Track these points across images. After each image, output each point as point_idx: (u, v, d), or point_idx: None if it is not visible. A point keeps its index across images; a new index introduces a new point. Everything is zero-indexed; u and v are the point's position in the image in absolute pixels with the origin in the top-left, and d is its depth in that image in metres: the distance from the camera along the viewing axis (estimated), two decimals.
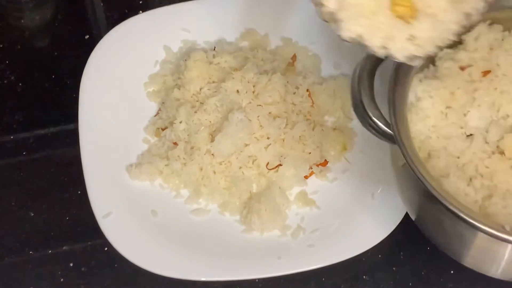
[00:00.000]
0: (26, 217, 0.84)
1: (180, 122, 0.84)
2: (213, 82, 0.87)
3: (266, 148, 0.83)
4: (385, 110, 0.70)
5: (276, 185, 0.82)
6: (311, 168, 0.84)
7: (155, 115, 0.89)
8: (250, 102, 0.84)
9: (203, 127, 0.83)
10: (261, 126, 0.83)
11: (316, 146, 0.85)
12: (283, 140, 0.83)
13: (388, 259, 0.82)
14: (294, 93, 0.87)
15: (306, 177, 0.84)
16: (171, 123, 0.85)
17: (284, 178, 0.83)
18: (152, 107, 0.90)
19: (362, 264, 0.81)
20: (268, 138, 0.83)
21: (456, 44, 0.74)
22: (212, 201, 0.83)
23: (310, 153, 0.84)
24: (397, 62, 0.66)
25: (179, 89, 0.87)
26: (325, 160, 0.85)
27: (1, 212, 0.85)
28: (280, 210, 0.82)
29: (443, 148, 0.71)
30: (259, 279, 0.80)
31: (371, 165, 0.85)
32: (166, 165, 0.83)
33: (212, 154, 0.82)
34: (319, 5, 0.63)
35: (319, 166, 0.85)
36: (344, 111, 0.88)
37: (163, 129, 0.86)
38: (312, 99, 0.87)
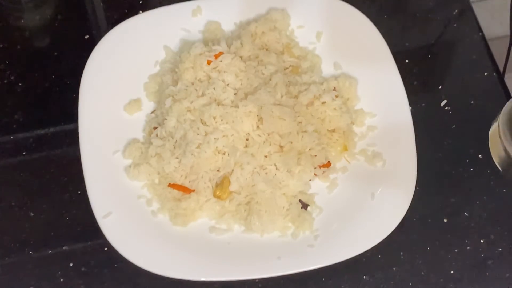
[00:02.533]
0: (26, 217, 0.84)
1: (170, 119, 0.84)
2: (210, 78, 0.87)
3: (269, 155, 0.83)
4: None
5: (277, 187, 0.82)
6: (315, 169, 0.84)
7: (151, 112, 0.89)
8: (255, 129, 0.84)
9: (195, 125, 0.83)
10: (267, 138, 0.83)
11: (321, 148, 0.84)
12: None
13: (388, 259, 0.82)
14: (296, 97, 0.87)
15: (310, 180, 0.84)
16: (163, 121, 0.85)
17: (289, 183, 0.83)
18: (152, 107, 0.89)
19: (362, 264, 0.81)
20: (270, 144, 0.83)
21: None
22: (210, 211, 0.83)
23: (316, 155, 0.84)
24: None
25: (174, 85, 0.87)
26: (328, 161, 0.85)
27: (1, 212, 0.85)
28: (280, 212, 0.82)
29: None
30: (259, 279, 0.80)
31: (371, 165, 0.85)
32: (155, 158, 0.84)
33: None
34: None
35: (322, 167, 0.85)
36: (344, 111, 0.87)
37: (154, 128, 0.86)
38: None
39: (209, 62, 0.87)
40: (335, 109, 0.86)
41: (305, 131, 0.84)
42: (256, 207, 0.81)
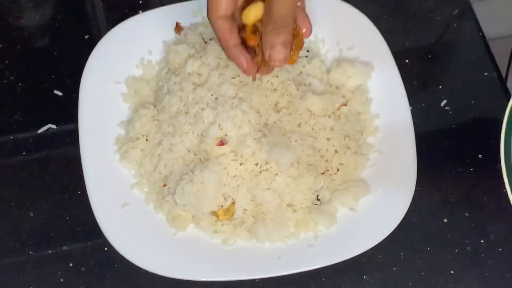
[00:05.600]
0: (26, 217, 0.84)
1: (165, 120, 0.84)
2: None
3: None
4: None
5: (283, 199, 0.81)
6: (323, 173, 0.83)
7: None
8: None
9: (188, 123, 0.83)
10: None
11: (334, 154, 0.83)
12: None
13: (388, 259, 0.82)
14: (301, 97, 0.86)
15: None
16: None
17: (297, 195, 0.81)
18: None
19: (362, 264, 0.81)
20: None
21: None
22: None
23: (327, 160, 0.83)
24: None
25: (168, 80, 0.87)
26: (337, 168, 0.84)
27: (1, 212, 0.85)
28: (287, 223, 0.81)
29: None
30: (259, 279, 0.80)
31: (372, 165, 0.85)
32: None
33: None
34: None
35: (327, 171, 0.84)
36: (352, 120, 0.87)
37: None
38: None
39: None
40: (339, 116, 0.85)
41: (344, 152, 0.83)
42: (262, 216, 0.80)
